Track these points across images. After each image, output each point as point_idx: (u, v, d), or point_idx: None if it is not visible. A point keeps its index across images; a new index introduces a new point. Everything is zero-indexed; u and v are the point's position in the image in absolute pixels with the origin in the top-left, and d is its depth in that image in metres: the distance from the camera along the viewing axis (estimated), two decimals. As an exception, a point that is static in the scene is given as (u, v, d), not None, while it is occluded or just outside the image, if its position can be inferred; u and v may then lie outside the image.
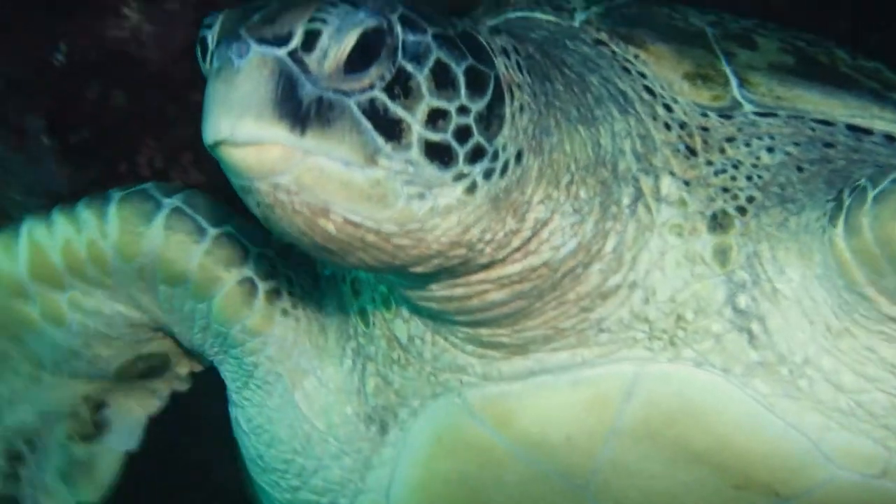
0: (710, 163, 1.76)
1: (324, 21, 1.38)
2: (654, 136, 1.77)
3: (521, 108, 1.57)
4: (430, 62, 1.45)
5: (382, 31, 1.42)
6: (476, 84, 1.49)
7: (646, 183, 1.72)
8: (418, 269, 1.53)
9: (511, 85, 1.56)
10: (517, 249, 1.61)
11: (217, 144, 1.32)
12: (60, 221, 2.03)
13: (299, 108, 1.35)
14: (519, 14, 1.95)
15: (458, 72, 1.47)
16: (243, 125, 1.31)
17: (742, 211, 1.71)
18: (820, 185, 1.72)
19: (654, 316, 1.70)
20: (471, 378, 1.78)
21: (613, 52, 1.85)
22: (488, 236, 1.55)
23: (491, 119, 1.51)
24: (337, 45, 1.37)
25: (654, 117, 1.79)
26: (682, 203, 1.72)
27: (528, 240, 1.61)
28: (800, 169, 1.76)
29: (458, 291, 1.62)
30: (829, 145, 1.80)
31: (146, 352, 2.23)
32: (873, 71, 1.99)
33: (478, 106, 1.49)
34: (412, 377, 1.85)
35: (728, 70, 1.83)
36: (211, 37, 1.45)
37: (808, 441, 1.69)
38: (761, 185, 1.74)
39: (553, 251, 1.63)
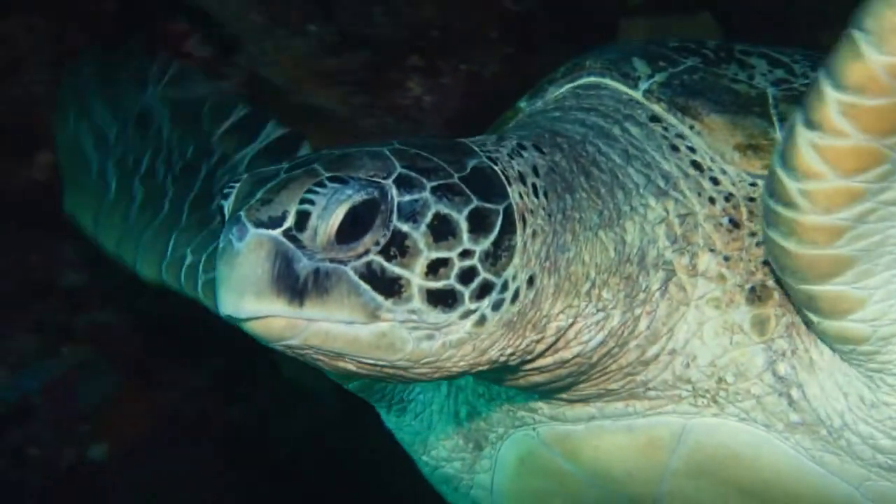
0: (752, 234, 1.79)
1: (311, 202, 1.48)
2: (697, 212, 1.81)
3: (534, 234, 1.63)
4: (428, 217, 1.52)
5: (373, 201, 1.50)
6: (481, 224, 1.56)
7: (680, 263, 1.78)
8: (453, 378, 1.69)
9: (524, 213, 1.62)
10: (544, 352, 1.69)
11: (230, 318, 1.47)
12: None
13: (296, 282, 1.46)
14: (591, 79, 1.99)
15: (460, 218, 1.54)
16: (245, 303, 1.45)
17: (782, 282, 1.73)
18: None
19: (696, 378, 1.78)
20: (541, 417, 1.93)
21: (666, 127, 1.89)
22: (509, 351, 1.64)
23: (499, 253, 1.58)
24: (324, 222, 1.47)
25: (699, 193, 1.83)
26: (721, 278, 1.78)
27: (554, 343, 1.69)
28: None
29: (506, 377, 1.75)
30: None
31: None
32: None
33: (483, 246, 1.56)
34: (495, 410, 2.00)
35: (780, 137, 1.81)
36: (227, 207, 1.57)
37: (850, 487, 1.79)
38: None
39: (581, 346, 1.71)
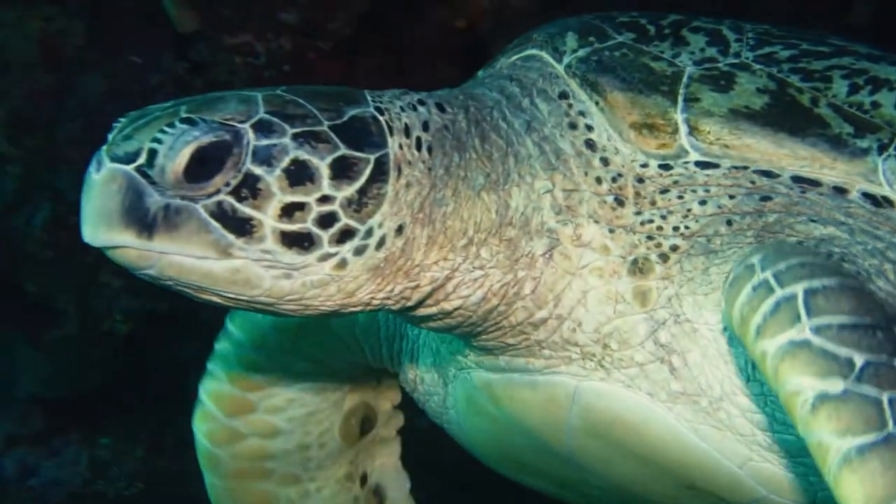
0: (638, 213, 1.84)
1: (160, 141, 1.56)
2: (583, 190, 1.85)
3: (408, 185, 1.69)
4: (284, 162, 1.58)
5: (223, 143, 1.57)
6: (345, 172, 1.62)
7: (564, 233, 1.82)
8: (327, 316, 1.73)
9: (402, 163, 1.69)
10: (423, 300, 1.76)
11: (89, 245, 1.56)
12: (212, 363, 2.50)
13: (146, 215, 1.55)
14: (532, 51, 2.04)
15: (321, 165, 1.60)
16: (97, 234, 1.55)
17: (664, 258, 1.80)
18: (748, 238, 1.78)
19: (582, 342, 1.82)
20: (469, 363, 2.01)
21: (571, 104, 1.93)
22: (381, 296, 1.71)
23: (364, 201, 1.64)
24: (170, 161, 1.55)
25: (587, 172, 1.87)
26: (605, 249, 1.82)
27: (431, 294, 1.76)
28: (729, 222, 1.81)
29: (407, 319, 1.89)
30: (766, 198, 1.83)
31: (347, 409, 2.60)
32: (867, 109, 1.88)
33: (345, 192, 1.62)
34: (446, 350, 2.10)
35: (680, 118, 1.85)
36: (109, 138, 1.62)
37: (734, 467, 1.81)
38: (688, 235, 1.81)
39: (462, 300, 1.78)
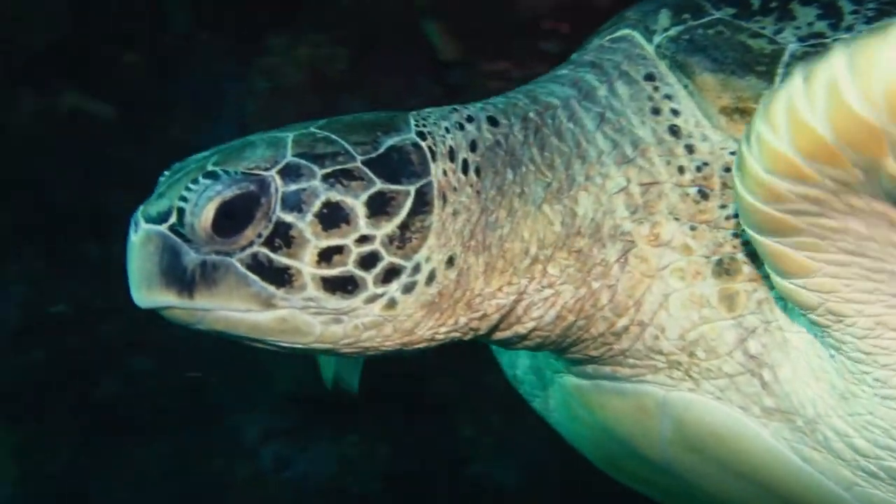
0: (723, 206, 1.66)
1: (185, 199, 1.52)
2: (663, 182, 1.69)
3: (455, 213, 1.59)
4: (315, 206, 1.51)
5: (249, 195, 1.51)
6: (383, 207, 1.53)
7: (639, 233, 1.67)
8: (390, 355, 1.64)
9: (446, 191, 1.59)
10: (495, 327, 1.66)
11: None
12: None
13: (184, 274, 1.51)
14: (625, 31, 1.87)
15: (356, 204, 1.52)
16: (142, 296, 1.54)
17: (753, 257, 1.60)
18: None
19: (667, 349, 1.68)
20: (561, 368, 1.89)
21: (657, 87, 1.76)
22: (445, 329, 1.62)
23: (408, 236, 1.55)
24: (196, 218, 1.50)
25: (669, 161, 1.70)
26: (686, 248, 1.66)
27: (501, 321, 1.66)
28: None
29: (483, 341, 1.75)
30: None
31: None
32: None
33: (385, 230, 1.53)
34: (539, 356, 1.99)
35: None
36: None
37: (841, 490, 1.66)
38: None
39: (535, 321, 1.67)
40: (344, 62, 4.71)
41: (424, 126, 1.63)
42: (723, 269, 1.64)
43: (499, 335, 1.69)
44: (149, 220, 1.54)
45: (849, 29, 1.69)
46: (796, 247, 1.40)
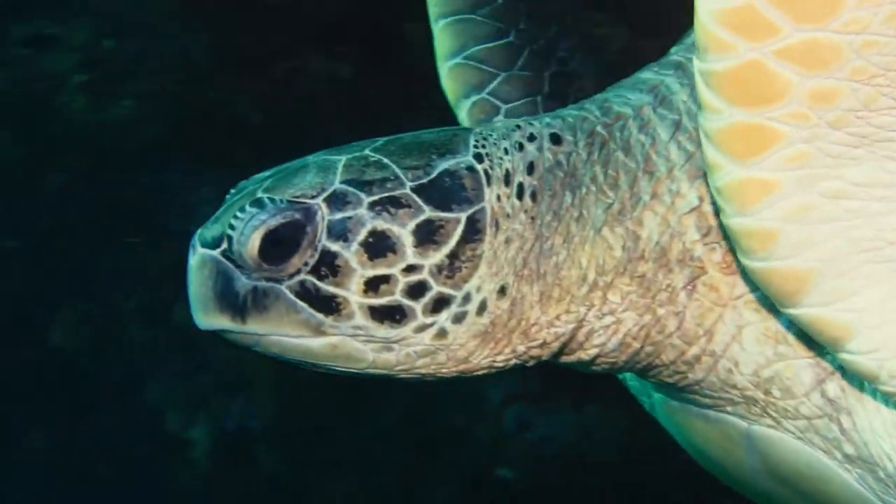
0: None
1: (232, 227, 1.51)
2: None
3: (508, 241, 1.54)
4: (361, 235, 1.48)
5: (294, 223, 1.49)
6: (431, 236, 1.49)
7: (711, 259, 1.54)
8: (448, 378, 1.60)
9: (499, 217, 1.53)
10: (558, 353, 1.59)
11: None
12: None
13: (237, 299, 1.52)
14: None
15: (403, 233, 1.48)
16: (198, 318, 1.55)
17: None
18: None
19: (742, 385, 1.56)
20: (655, 388, 1.81)
21: None
22: (502, 358, 1.57)
23: (457, 265, 1.50)
24: (243, 247, 1.50)
25: None
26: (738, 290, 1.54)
27: (563, 348, 1.58)
28: None
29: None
30: None
31: None
32: None
33: (433, 259, 1.49)
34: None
35: None
36: None
37: None
38: None
39: (598, 348, 1.59)
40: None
41: (483, 147, 1.58)
42: None
43: (564, 360, 1.63)
44: (204, 244, 1.55)
45: None
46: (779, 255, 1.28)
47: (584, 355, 1.61)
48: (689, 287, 1.55)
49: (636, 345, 1.59)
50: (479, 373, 1.61)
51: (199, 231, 1.58)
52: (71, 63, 5.15)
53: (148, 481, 5.49)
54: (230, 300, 1.53)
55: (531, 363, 1.62)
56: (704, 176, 1.49)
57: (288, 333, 1.52)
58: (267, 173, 1.61)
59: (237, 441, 5.44)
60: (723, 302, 1.55)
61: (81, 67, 5.19)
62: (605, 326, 1.58)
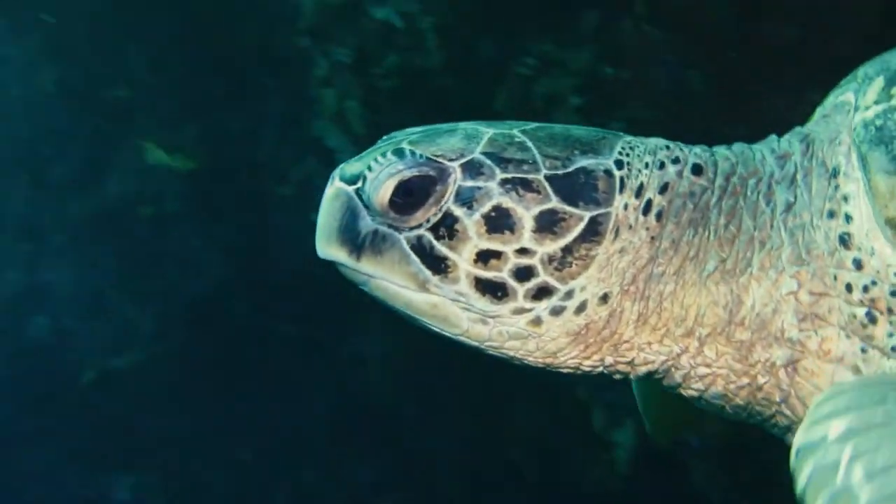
0: (891, 334, 1.49)
1: (370, 168, 1.59)
2: (833, 296, 1.55)
3: (623, 251, 1.56)
4: (485, 207, 1.54)
5: (427, 178, 1.56)
6: (552, 226, 1.53)
7: (808, 346, 1.56)
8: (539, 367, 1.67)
9: (621, 226, 1.56)
10: (660, 379, 1.64)
11: None
12: None
13: (357, 236, 1.60)
14: (846, 96, 1.66)
15: (526, 215, 1.53)
16: (320, 247, 1.66)
17: None
18: None
19: None
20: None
21: (837, 186, 1.56)
22: (589, 363, 1.61)
23: (568, 260, 1.54)
24: (375, 191, 1.58)
25: (836, 275, 1.54)
26: (857, 370, 1.53)
27: (661, 377, 1.63)
28: None
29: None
30: None
31: None
32: None
33: (547, 248, 1.53)
34: None
35: None
36: None
37: None
38: None
39: (698, 392, 1.63)
40: None
41: (627, 155, 1.62)
42: None
43: (683, 392, 1.67)
44: (343, 178, 1.64)
45: None
46: None
47: (685, 392, 1.67)
48: (790, 368, 1.58)
49: (739, 401, 1.64)
50: (564, 371, 1.66)
51: (341, 165, 1.67)
52: (568, 86, 5.53)
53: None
54: (351, 237, 1.62)
55: (618, 377, 1.68)
56: (803, 264, 1.57)
57: (396, 282, 1.60)
58: (419, 129, 1.68)
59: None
60: (824, 386, 1.57)
61: (578, 90, 5.53)
62: (700, 376, 1.62)
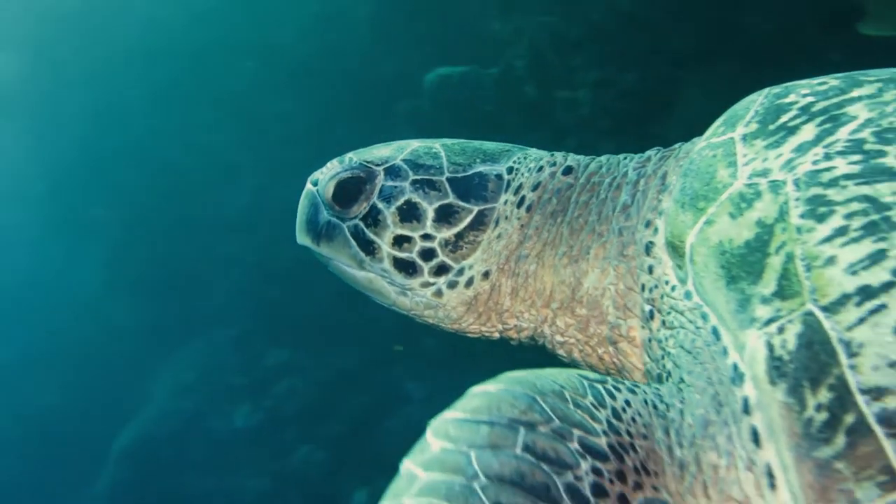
0: (660, 329, 1.67)
1: (322, 172, 1.97)
2: (637, 292, 1.76)
3: (499, 236, 1.87)
4: (399, 201, 1.87)
5: (359, 179, 1.90)
6: (447, 217, 1.86)
7: (619, 331, 1.78)
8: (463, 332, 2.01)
9: (500, 217, 1.86)
10: (544, 343, 1.89)
11: None
12: None
13: (317, 227, 1.95)
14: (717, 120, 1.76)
15: (429, 209, 1.86)
16: (297, 235, 1.99)
17: (662, 378, 1.65)
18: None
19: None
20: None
21: (661, 200, 1.74)
22: (487, 328, 1.94)
23: (460, 244, 1.86)
24: (323, 189, 1.94)
25: (638, 276, 1.74)
26: (647, 357, 1.74)
27: (535, 337, 1.90)
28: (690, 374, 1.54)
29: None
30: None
31: None
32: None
33: (444, 234, 1.86)
34: None
35: (688, 242, 1.53)
36: None
37: None
38: (670, 367, 1.62)
39: (566, 355, 1.89)
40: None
41: (519, 163, 1.92)
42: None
43: (563, 359, 1.93)
44: (312, 181, 2.01)
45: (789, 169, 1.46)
46: None
47: (561, 350, 1.93)
48: (612, 347, 1.83)
49: (602, 369, 1.87)
50: (472, 335, 1.99)
51: (314, 172, 2.03)
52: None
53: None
54: (314, 227, 1.98)
55: (515, 342, 1.98)
56: (622, 260, 1.76)
57: (343, 262, 1.96)
58: (380, 144, 2.03)
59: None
60: (639, 366, 1.80)
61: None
62: (561, 343, 1.90)
